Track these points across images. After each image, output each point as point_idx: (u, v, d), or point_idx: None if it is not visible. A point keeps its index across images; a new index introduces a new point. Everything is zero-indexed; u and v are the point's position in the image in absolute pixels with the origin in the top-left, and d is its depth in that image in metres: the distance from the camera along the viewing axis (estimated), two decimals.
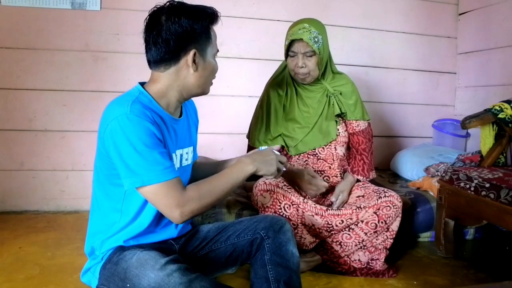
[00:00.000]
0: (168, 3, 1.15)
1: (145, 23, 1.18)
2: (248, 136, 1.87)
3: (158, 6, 1.16)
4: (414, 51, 2.86)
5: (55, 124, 2.42)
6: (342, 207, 1.68)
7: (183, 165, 1.27)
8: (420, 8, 2.85)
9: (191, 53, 1.13)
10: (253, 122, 1.85)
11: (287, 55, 1.70)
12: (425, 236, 2.06)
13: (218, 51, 1.23)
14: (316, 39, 1.63)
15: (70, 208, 2.46)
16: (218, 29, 1.23)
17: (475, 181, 1.67)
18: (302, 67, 1.66)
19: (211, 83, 1.25)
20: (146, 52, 1.19)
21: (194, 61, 1.14)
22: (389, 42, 2.82)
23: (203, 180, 1.16)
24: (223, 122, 2.62)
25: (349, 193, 1.76)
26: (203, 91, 1.23)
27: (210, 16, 1.15)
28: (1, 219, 2.23)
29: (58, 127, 2.43)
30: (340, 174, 1.79)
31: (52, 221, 2.24)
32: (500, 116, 1.85)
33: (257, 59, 2.61)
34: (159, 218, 1.20)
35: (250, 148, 1.83)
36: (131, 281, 1.06)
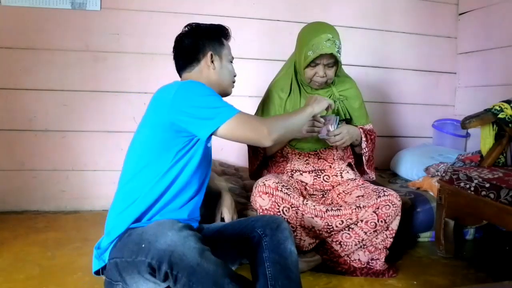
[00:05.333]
0: (185, 27, 1.45)
1: (173, 49, 1.45)
2: None
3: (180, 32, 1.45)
4: (414, 51, 2.86)
5: (55, 124, 2.42)
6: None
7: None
8: (420, 8, 2.85)
9: (208, 55, 1.39)
10: None
11: (307, 64, 1.65)
12: (425, 236, 2.06)
13: (233, 58, 1.50)
14: (339, 51, 1.63)
15: (70, 208, 2.46)
16: None
17: (475, 181, 1.67)
18: (323, 76, 1.66)
19: (233, 85, 1.49)
20: (176, 67, 1.46)
21: (212, 61, 1.40)
22: (389, 42, 2.82)
23: None
24: None
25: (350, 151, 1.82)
26: (226, 90, 1.46)
27: (220, 28, 1.45)
28: (1, 219, 2.23)
29: (58, 127, 2.43)
30: (341, 173, 1.79)
31: (52, 221, 2.24)
32: (500, 116, 1.85)
33: (257, 59, 2.61)
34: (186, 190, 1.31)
35: (249, 148, 1.83)
36: (147, 241, 1.10)
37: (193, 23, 1.45)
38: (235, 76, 1.50)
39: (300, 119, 1.39)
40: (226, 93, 1.46)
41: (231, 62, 1.49)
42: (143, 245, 1.10)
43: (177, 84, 1.26)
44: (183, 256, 1.05)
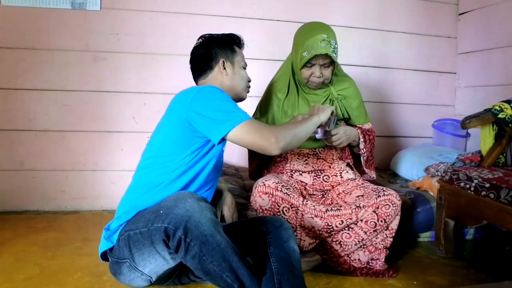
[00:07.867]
0: (199, 38, 1.53)
1: (189, 61, 1.54)
2: None
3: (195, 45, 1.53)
4: (414, 51, 2.86)
5: (55, 124, 2.42)
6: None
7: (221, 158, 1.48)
8: (420, 8, 2.85)
9: (220, 62, 1.47)
10: None
11: (303, 65, 1.66)
12: (425, 236, 2.06)
13: (246, 65, 1.56)
14: (335, 50, 1.63)
15: (70, 208, 2.46)
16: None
17: (475, 181, 1.67)
18: (320, 77, 1.66)
19: (247, 90, 1.55)
20: (193, 76, 1.54)
21: (224, 68, 1.47)
22: (389, 42, 2.82)
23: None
24: None
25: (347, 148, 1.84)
26: (240, 95, 1.52)
27: (232, 37, 1.53)
28: (1, 219, 2.23)
29: (58, 127, 2.43)
30: (340, 173, 1.79)
31: (52, 221, 2.24)
32: (500, 116, 1.85)
33: (257, 59, 2.61)
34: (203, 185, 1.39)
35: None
36: (165, 207, 1.14)
37: (206, 34, 1.53)
38: (249, 81, 1.55)
39: (307, 128, 1.42)
40: (240, 98, 1.52)
41: (245, 68, 1.55)
42: (161, 212, 1.14)
43: (197, 88, 1.33)
44: (199, 223, 1.09)
